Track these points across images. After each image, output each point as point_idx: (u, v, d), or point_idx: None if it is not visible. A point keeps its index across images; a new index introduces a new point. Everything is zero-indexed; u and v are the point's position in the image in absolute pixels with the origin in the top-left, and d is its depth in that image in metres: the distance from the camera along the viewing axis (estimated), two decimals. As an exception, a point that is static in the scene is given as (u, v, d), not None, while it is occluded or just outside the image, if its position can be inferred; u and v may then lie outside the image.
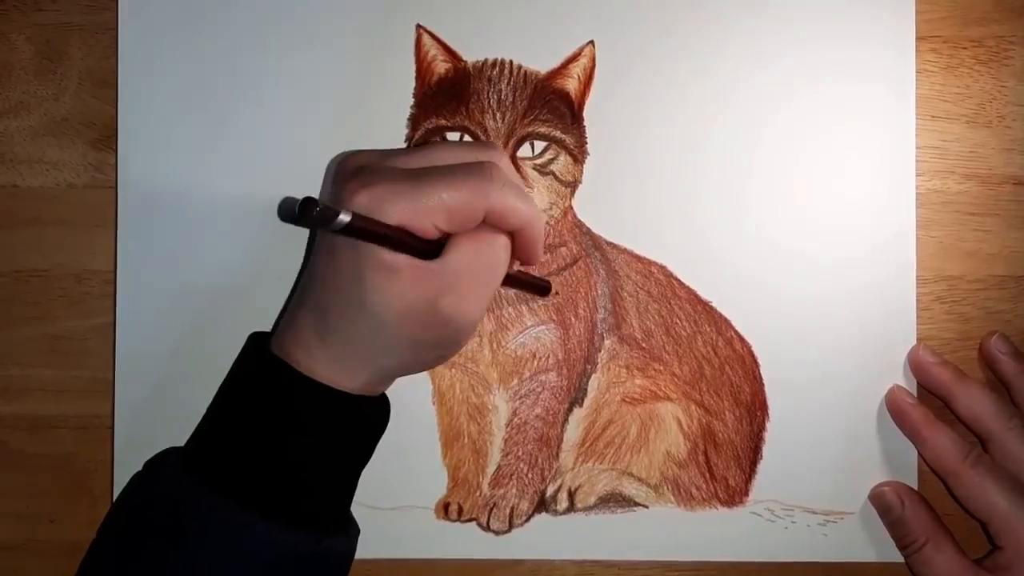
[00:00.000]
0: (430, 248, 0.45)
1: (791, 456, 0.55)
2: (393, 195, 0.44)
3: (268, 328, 0.54)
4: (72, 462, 0.55)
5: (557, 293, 0.55)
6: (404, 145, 0.55)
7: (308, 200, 0.40)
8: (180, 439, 0.54)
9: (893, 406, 0.54)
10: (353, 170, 0.46)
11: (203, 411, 0.55)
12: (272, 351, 0.47)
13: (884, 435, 0.55)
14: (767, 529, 0.55)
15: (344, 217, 0.41)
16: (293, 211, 0.41)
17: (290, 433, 0.46)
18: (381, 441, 0.49)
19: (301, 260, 0.55)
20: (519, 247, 0.48)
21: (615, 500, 0.55)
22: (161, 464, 0.49)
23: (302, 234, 0.55)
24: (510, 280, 0.50)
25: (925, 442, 0.53)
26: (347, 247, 0.45)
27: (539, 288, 0.54)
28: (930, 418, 0.53)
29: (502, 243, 0.47)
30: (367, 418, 0.48)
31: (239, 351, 0.50)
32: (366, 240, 0.44)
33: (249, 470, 0.46)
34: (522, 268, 0.53)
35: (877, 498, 0.54)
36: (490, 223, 0.46)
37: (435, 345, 0.47)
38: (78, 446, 0.55)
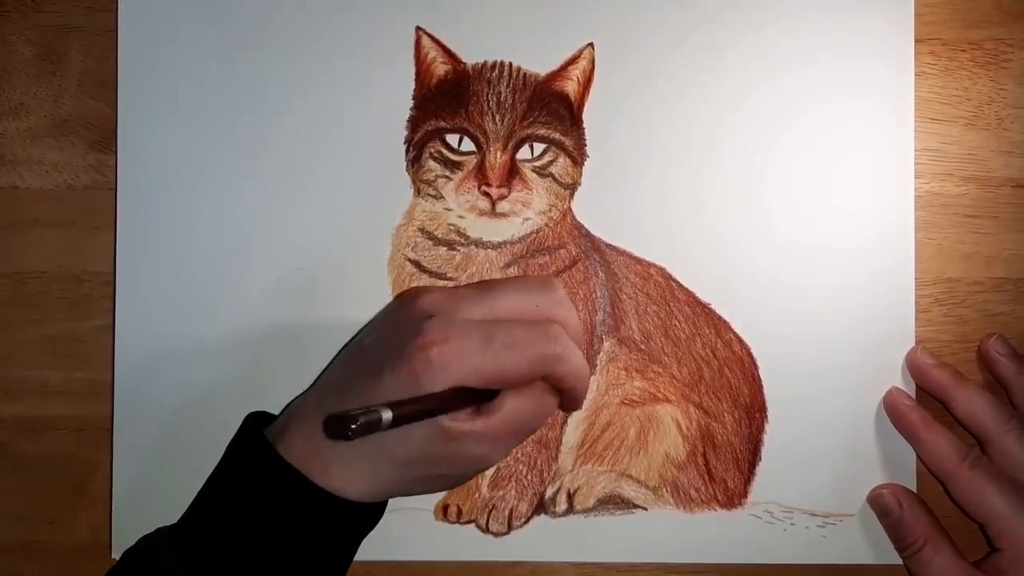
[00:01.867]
0: (481, 398, 0.46)
1: (790, 458, 0.55)
2: (461, 357, 0.45)
3: (264, 325, 0.54)
4: (71, 463, 0.55)
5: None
6: (403, 147, 0.55)
7: (341, 418, 0.40)
8: (178, 441, 0.55)
9: (891, 408, 0.54)
10: (421, 316, 0.46)
11: (200, 414, 0.55)
12: (277, 448, 0.46)
13: (883, 437, 0.55)
14: (766, 531, 0.55)
15: (387, 416, 0.41)
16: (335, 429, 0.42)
17: (286, 537, 0.45)
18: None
19: (300, 260, 0.55)
20: (564, 401, 0.49)
21: (614, 502, 0.55)
22: (152, 547, 0.48)
23: (299, 237, 0.55)
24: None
25: (923, 444, 0.53)
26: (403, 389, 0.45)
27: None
28: (928, 420, 0.53)
29: (550, 404, 0.48)
30: (362, 526, 0.48)
31: (237, 428, 0.49)
32: (415, 420, 0.44)
33: (243, 567, 0.45)
34: None
35: (875, 500, 0.54)
36: (544, 379, 0.47)
37: (457, 478, 0.49)
38: (77, 447, 0.55)
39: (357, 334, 0.53)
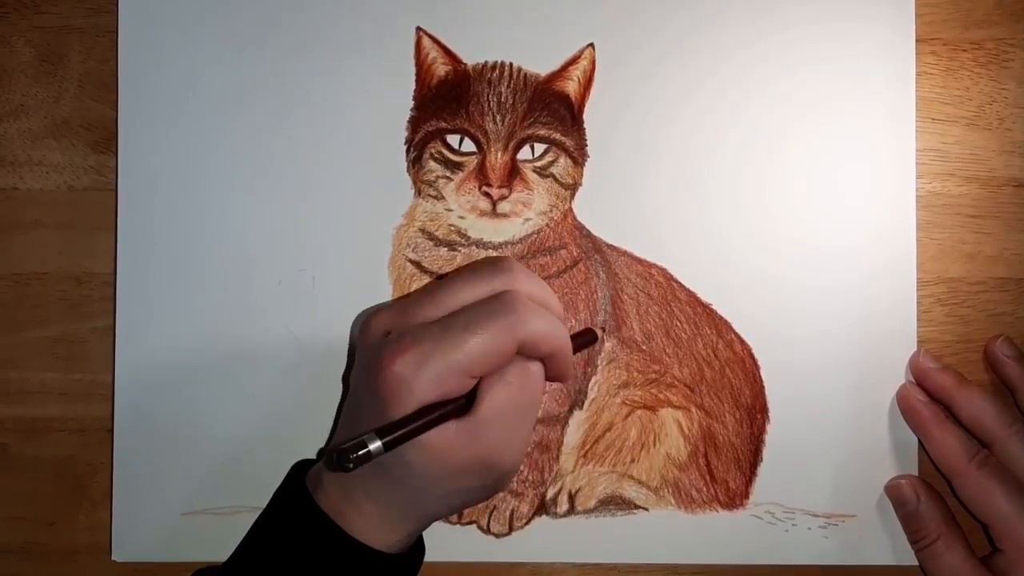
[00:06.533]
0: (464, 401, 0.45)
1: (792, 459, 0.55)
2: (423, 360, 0.44)
3: (264, 326, 0.54)
4: (72, 465, 0.55)
5: (604, 330, 0.55)
6: (404, 148, 0.55)
7: (336, 453, 0.41)
8: (179, 443, 0.54)
9: (904, 403, 0.54)
10: (379, 336, 0.47)
11: (201, 417, 0.55)
12: (315, 496, 0.47)
13: (885, 439, 0.55)
14: (768, 532, 0.55)
15: (376, 446, 0.42)
16: (331, 463, 0.43)
17: None
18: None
19: (301, 261, 0.55)
20: (549, 370, 0.48)
21: (615, 503, 0.55)
22: None
23: (300, 238, 0.55)
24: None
25: (933, 440, 0.53)
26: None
27: (588, 340, 0.53)
28: (940, 417, 0.53)
29: (535, 373, 0.47)
30: (399, 573, 0.48)
31: (282, 480, 0.50)
32: (404, 441, 0.44)
33: None
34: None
35: (893, 490, 0.54)
36: (520, 354, 0.46)
37: (481, 488, 0.48)
38: (78, 449, 0.55)
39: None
